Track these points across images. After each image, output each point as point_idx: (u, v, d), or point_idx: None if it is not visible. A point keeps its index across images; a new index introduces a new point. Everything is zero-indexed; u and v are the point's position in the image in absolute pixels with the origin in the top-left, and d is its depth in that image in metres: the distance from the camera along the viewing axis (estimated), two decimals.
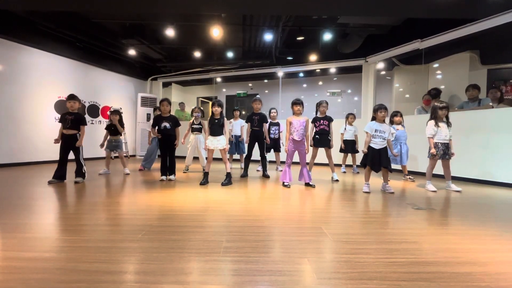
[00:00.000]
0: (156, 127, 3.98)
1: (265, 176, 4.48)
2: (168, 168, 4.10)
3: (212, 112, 3.80)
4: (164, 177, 4.03)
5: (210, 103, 10.06)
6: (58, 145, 3.80)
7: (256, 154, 4.69)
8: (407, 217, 2.36)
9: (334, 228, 2.01)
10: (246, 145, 4.76)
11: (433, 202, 2.93)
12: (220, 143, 3.75)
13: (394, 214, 2.48)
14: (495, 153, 4.05)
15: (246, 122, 4.61)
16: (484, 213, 2.57)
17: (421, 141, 4.34)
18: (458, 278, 1.31)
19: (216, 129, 3.77)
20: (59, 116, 3.85)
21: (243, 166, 4.81)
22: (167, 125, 3.93)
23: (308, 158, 4.28)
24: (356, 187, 3.76)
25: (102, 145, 4.71)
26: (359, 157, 5.29)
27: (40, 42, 5.94)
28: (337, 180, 4.19)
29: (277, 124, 5.13)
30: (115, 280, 1.26)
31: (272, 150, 5.16)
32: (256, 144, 4.57)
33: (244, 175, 4.46)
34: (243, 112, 9.35)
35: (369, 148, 3.38)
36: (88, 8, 5.02)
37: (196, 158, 5.27)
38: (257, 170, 5.21)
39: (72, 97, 3.82)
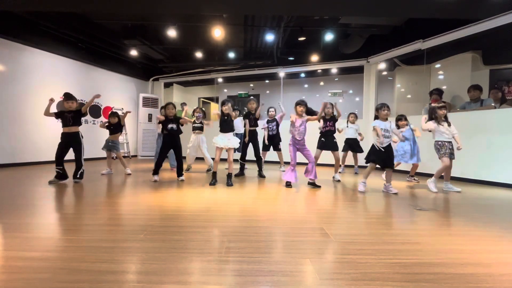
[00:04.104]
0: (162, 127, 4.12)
1: (261, 176, 4.52)
2: (177, 169, 4.14)
3: (222, 111, 3.87)
4: (156, 177, 4.00)
5: (213, 103, 9.99)
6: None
7: (251, 155, 4.72)
8: (409, 218, 2.35)
9: (336, 228, 2.01)
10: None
11: (436, 203, 2.92)
12: (230, 142, 3.77)
13: (396, 215, 2.47)
14: (498, 154, 4.03)
15: (244, 119, 4.66)
16: (487, 214, 2.56)
17: (426, 141, 4.33)
18: (462, 279, 1.31)
19: (226, 126, 3.82)
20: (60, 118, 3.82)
21: (246, 166, 4.84)
22: (174, 126, 4.03)
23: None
24: (358, 188, 3.74)
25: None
26: (361, 157, 5.32)
27: (42, 43, 5.97)
28: (338, 181, 4.21)
29: (274, 120, 5.14)
30: (117, 280, 1.26)
31: (271, 148, 5.17)
32: (252, 146, 4.64)
33: (240, 174, 4.49)
34: (243, 113, 9.37)
35: (374, 146, 3.40)
36: (90, 9, 5.04)
37: (200, 159, 5.28)
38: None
39: (69, 97, 3.80)
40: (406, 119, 4.31)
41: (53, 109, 4.28)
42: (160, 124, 4.07)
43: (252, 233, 1.89)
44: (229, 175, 3.82)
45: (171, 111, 4.06)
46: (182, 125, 4.14)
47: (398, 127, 4.32)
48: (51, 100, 3.70)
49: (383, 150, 3.33)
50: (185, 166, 5.14)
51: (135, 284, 1.23)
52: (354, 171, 5.40)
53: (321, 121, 4.28)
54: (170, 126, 4.01)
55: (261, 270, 1.36)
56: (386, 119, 3.41)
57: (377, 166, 3.46)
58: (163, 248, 1.62)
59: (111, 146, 4.76)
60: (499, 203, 3.04)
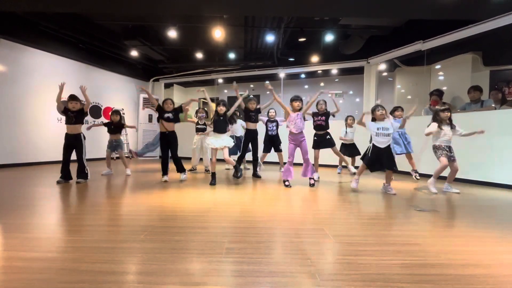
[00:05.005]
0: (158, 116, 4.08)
1: (256, 176, 4.54)
2: (176, 167, 4.12)
3: (216, 111, 3.87)
4: (166, 177, 4.02)
5: (213, 104, 10.05)
6: (60, 146, 3.84)
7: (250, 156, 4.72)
8: (409, 219, 2.35)
9: (336, 229, 2.00)
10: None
11: (436, 204, 2.91)
12: (224, 141, 3.79)
13: (397, 216, 2.47)
14: (498, 155, 4.03)
15: (245, 121, 4.63)
16: (487, 215, 2.55)
17: (425, 142, 4.33)
18: (462, 280, 1.30)
19: (220, 126, 3.82)
20: (61, 116, 3.89)
21: (247, 167, 4.82)
22: (170, 115, 3.99)
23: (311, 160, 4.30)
24: (358, 188, 3.74)
25: (89, 128, 4.77)
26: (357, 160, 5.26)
27: (43, 43, 5.98)
28: (354, 173, 4.14)
29: (275, 121, 5.13)
30: (117, 280, 1.26)
31: (272, 149, 5.16)
32: (251, 145, 4.64)
33: (238, 175, 4.50)
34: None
35: (373, 146, 3.38)
36: (90, 10, 5.05)
37: (201, 159, 5.29)
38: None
39: (73, 97, 3.87)
40: (402, 111, 4.31)
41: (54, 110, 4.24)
42: (151, 108, 4.01)
43: (252, 233, 1.89)
44: (235, 167, 3.87)
45: (169, 106, 4.04)
46: (182, 111, 4.11)
47: (394, 117, 4.31)
48: (62, 85, 3.75)
49: (376, 153, 3.33)
50: (189, 167, 5.18)
51: (136, 284, 1.23)
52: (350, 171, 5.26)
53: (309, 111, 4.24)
54: (166, 115, 3.98)
55: (261, 271, 1.36)
56: (383, 119, 3.41)
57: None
58: (163, 248, 1.61)
59: (115, 145, 4.77)
60: (499, 204, 3.03)
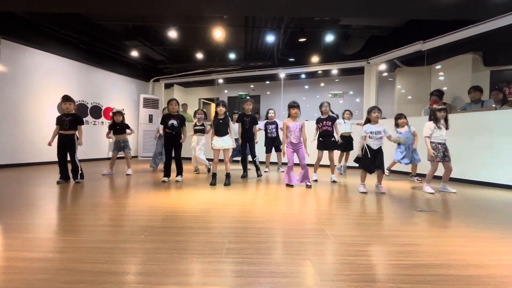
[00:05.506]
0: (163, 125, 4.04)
1: (257, 175, 4.56)
2: (176, 169, 4.10)
3: (216, 112, 3.85)
4: (166, 178, 4.01)
5: (213, 104, 10.06)
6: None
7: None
8: (410, 219, 2.35)
9: (337, 230, 2.00)
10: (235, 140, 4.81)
11: (436, 204, 2.91)
12: (225, 142, 3.78)
13: (397, 216, 2.47)
14: (499, 155, 4.02)
15: (237, 122, 4.60)
16: (487, 215, 2.55)
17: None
18: (462, 281, 1.30)
19: (221, 129, 3.81)
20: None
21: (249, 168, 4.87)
22: (175, 122, 3.95)
23: (312, 161, 4.29)
24: (358, 189, 3.74)
25: (108, 136, 4.85)
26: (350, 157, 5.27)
27: (44, 44, 5.99)
28: (334, 181, 4.18)
29: (274, 123, 5.13)
30: (117, 280, 1.26)
31: (273, 149, 5.17)
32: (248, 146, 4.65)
33: (244, 176, 4.48)
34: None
35: (367, 147, 3.39)
36: (91, 10, 5.05)
37: None
38: (265, 171, 5.22)
39: (67, 98, 3.85)
40: (405, 118, 4.33)
41: (54, 110, 4.19)
42: (159, 130, 3.98)
43: (252, 234, 1.89)
44: (227, 175, 3.86)
45: (174, 107, 4.00)
46: (184, 124, 4.09)
47: (398, 125, 4.34)
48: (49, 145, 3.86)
49: (371, 155, 3.33)
50: (193, 168, 5.18)
51: (135, 285, 1.23)
52: (340, 169, 5.26)
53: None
54: (171, 122, 3.93)
55: (261, 271, 1.36)
56: (377, 122, 3.41)
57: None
58: (163, 249, 1.61)
59: (123, 146, 4.77)
60: (500, 204, 3.03)
